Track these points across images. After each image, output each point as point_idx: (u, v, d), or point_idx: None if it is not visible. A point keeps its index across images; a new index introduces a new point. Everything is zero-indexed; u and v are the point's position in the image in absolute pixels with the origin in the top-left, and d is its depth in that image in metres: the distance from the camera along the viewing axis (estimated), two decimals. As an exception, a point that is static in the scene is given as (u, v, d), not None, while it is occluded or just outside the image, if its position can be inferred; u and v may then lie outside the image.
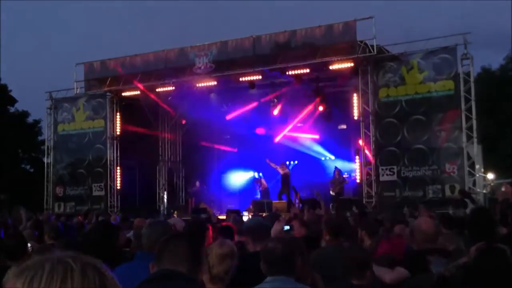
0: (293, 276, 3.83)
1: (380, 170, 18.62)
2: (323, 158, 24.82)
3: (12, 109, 40.53)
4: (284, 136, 24.48)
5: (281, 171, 22.45)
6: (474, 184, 17.66)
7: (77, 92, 23.51)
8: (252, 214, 17.25)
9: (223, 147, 25.98)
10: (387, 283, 4.94)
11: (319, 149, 24.52)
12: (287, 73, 19.88)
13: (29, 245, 6.01)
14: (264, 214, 13.46)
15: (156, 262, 3.13)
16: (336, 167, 21.94)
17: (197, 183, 24.73)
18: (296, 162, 25.46)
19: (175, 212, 20.70)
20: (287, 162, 23.73)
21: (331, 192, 21.03)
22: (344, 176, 21.65)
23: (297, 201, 19.67)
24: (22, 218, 11.30)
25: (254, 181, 25.08)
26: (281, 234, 6.13)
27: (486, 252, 3.88)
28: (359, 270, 4.56)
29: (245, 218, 16.33)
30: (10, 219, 13.18)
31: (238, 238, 6.55)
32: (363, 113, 19.16)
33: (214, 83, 20.99)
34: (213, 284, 3.79)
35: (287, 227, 6.26)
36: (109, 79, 22.36)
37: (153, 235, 4.19)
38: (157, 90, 22.00)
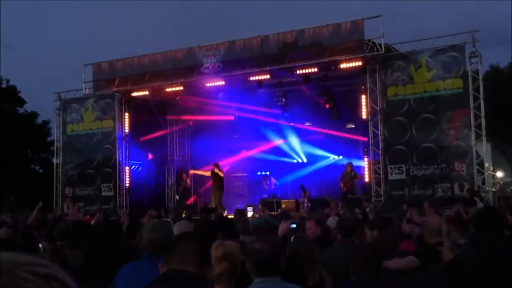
0: (279, 275, 3.85)
1: (388, 169, 18.60)
2: (331, 158, 24.80)
3: (21, 110, 40.75)
4: (292, 134, 24.50)
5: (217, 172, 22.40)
6: (483, 182, 17.61)
7: (86, 92, 23.57)
8: (262, 213, 17.25)
9: (231, 147, 25.98)
10: (400, 269, 5.00)
11: (327, 148, 24.50)
12: (295, 72, 19.87)
13: (40, 245, 6.03)
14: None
15: (165, 262, 3.14)
16: (349, 162, 21.85)
17: (188, 180, 24.82)
18: (305, 160, 25.49)
19: (184, 212, 20.73)
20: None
21: (342, 189, 20.97)
22: (357, 173, 21.57)
23: (305, 200, 19.65)
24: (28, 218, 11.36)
25: (262, 179, 25.06)
26: (288, 232, 6.14)
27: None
28: (370, 269, 4.56)
29: (249, 214, 16.37)
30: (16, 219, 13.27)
31: (243, 237, 6.55)
32: (372, 112, 19.15)
33: (222, 82, 21.00)
34: (217, 284, 3.81)
35: (293, 225, 6.26)
36: (118, 79, 22.39)
37: (156, 237, 4.20)
38: (165, 90, 22.04)
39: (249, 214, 17.03)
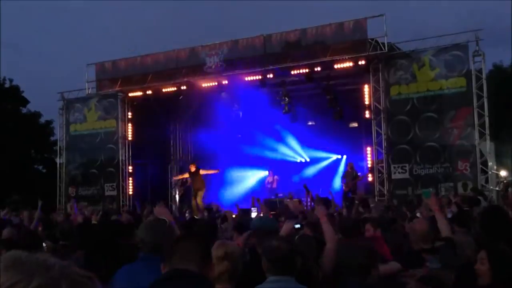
0: (294, 275, 3.84)
1: (392, 168, 18.57)
2: (334, 157, 24.77)
3: (24, 110, 40.77)
4: (295, 133, 24.47)
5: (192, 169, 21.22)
6: (486, 181, 17.56)
7: (89, 92, 23.59)
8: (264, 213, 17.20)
9: (234, 146, 25.95)
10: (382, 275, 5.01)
11: (330, 147, 24.47)
12: (297, 71, 19.84)
13: (44, 244, 6.02)
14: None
15: (166, 262, 3.13)
16: (349, 162, 21.85)
17: (189, 180, 24.64)
18: (308, 159, 25.47)
19: (187, 211, 20.71)
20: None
21: (344, 188, 20.96)
22: (358, 173, 21.51)
23: (308, 200, 19.61)
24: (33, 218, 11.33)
25: (268, 177, 24.98)
26: (292, 232, 6.11)
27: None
28: (366, 268, 4.54)
29: (253, 215, 16.32)
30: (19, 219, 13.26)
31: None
32: (375, 111, 19.10)
33: (225, 82, 20.99)
34: (217, 284, 3.80)
35: (298, 225, 6.24)
36: (120, 79, 22.40)
37: (153, 235, 4.18)
38: (168, 89, 22.02)
39: (253, 214, 17.00)
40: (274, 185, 23.53)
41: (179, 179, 23.90)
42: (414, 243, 5.72)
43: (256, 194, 23.64)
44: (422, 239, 5.55)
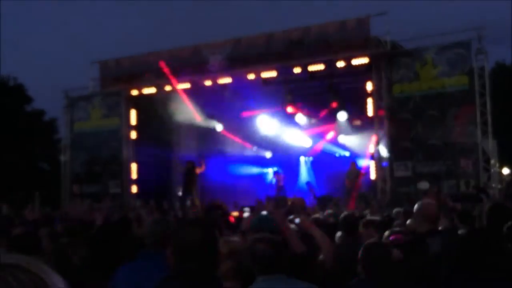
0: (285, 272, 3.86)
1: (394, 166, 18.58)
2: (337, 154, 24.77)
3: (28, 108, 40.88)
4: (299, 133, 24.47)
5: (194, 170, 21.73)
6: (489, 179, 17.57)
7: (92, 90, 23.65)
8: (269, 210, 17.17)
9: (238, 144, 25.96)
10: None
11: (333, 145, 24.48)
12: (300, 69, 19.87)
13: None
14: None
15: (171, 259, 3.14)
16: (352, 159, 21.85)
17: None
18: (311, 158, 25.49)
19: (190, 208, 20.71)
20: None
21: (347, 186, 20.96)
22: (361, 171, 21.49)
23: (311, 198, 19.63)
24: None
25: (274, 175, 24.98)
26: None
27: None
28: (379, 266, 4.56)
29: (246, 215, 16.27)
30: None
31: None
32: (377, 109, 19.12)
33: (228, 80, 21.02)
34: (223, 281, 3.84)
35: (297, 220, 6.26)
36: (124, 77, 22.45)
37: (157, 232, 4.22)
38: (171, 87, 22.04)
39: (246, 214, 16.94)
40: (280, 183, 23.54)
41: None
42: (419, 226, 5.63)
43: (262, 192, 23.70)
44: (427, 219, 5.47)
